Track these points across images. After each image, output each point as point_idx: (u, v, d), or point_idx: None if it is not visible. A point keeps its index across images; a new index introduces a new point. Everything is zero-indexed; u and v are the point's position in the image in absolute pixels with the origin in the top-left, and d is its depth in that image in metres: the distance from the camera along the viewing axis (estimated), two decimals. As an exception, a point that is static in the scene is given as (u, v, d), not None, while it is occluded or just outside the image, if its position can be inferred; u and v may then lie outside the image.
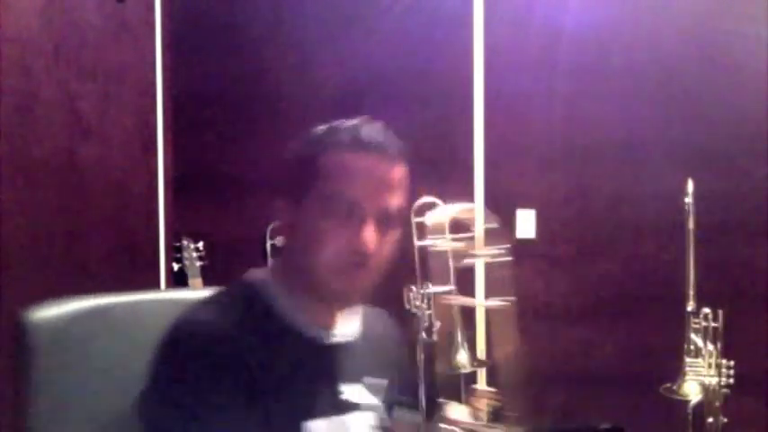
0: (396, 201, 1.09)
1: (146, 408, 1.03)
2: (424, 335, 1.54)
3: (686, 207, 2.41)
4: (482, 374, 2.95)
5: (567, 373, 2.96)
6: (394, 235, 1.10)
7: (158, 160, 2.85)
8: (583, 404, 2.95)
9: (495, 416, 1.48)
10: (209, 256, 2.90)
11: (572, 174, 2.92)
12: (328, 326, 1.12)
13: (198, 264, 2.86)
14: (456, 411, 1.20)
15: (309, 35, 2.97)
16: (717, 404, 2.26)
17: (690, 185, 2.42)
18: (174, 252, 2.88)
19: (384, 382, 1.17)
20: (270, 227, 2.97)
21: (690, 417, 2.26)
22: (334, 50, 2.96)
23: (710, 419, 2.27)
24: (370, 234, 1.04)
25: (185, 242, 2.87)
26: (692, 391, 2.29)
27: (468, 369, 2.69)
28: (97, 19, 2.40)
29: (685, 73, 2.89)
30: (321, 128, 1.16)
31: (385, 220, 1.07)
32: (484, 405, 1.28)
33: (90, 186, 2.34)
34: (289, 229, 1.12)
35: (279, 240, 2.96)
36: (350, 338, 1.15)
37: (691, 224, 2.40)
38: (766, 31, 2.84)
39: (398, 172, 1.10)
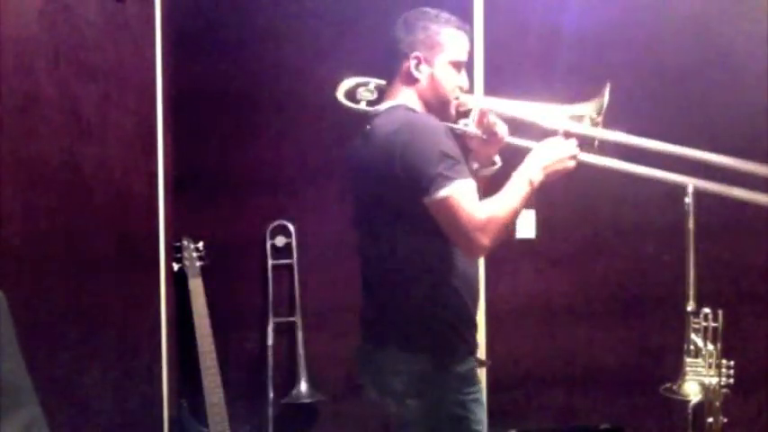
0: None
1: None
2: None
3: (686, 207, 2.41)
4: (482, 374, 2.95)
5: (567, 373, 2.96)
6: None
7: (158, 160, 2.85)
8: (583, 404, 2.95)
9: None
10: (209, 256, 2.90)
11: (572, 174, 2.91)
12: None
13: (198, 264, 2.86)
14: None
15: (309, 35, 2.97)
16: (717, 404, 2.26)
17: (690, 185, 2.42)
18: (174, 252, 2.88)
19: None
20: (270, 227, 2.97)
21: (690, 417, 2.26)
22: (334, 50, 2.96)
23: (710, 419, 2.27)
24: (466, 79, 1.86)
25: (185, 242, 2.88)
26: (692, 391, 2.28)
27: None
28: (97, 19, 2.39)
29: (685, 73, 2.89)
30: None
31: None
32: None
33: (90, 186, 2.33)
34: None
35: (279, 240, 2.97)
36: None
37: (691, 224, 2.40)
38: (766, 31, 2.84)
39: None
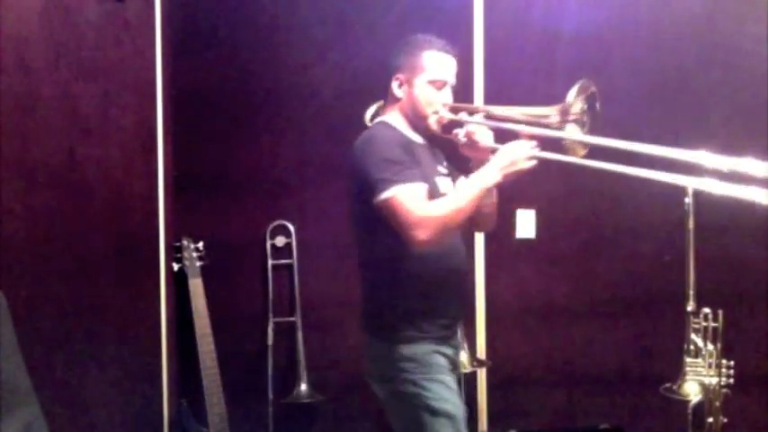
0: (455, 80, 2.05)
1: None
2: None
3: (686, 207, 2.41)
4: (482, 374, 2.95)
5: (567, 373, 2.96)
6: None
7: (158, 160, 2.85)
8: (583, 404, 2.95)
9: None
10: (209, 256, 2.90)
11: (572, 174, 2.92)
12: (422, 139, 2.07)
13: (198, 264, 2.86)
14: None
15: (309, 35, 2.97)
16: (717, 404, 2.27)
17: (689, 187, 2.42)
18: (174, 252, 2.88)
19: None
20: (270, 227, 2.97)
21: (690, 417, 2.26)
22: (333, 50, 2.96)
23: (710, 419, 2.27)
24: (449, 95, 2.03)
25: (185, 242, 2.88)
26: (692, 391, 2.29)
27: (468, 369, 2.70)
28: (97, 19, 2.40)
29: (685, 73, 2.89)
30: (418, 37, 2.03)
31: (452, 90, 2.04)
32: None
33: (90, 186, 2.34)
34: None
35: (279, 240, 2.97)
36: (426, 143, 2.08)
37: (691, 224, 2.40)
38: (766, 31, 2.84)
39: (456, 64, 2.04)
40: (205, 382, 2.73)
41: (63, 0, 2.18)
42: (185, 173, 2.99)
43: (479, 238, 2.93)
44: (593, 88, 1.96)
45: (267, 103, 2.99)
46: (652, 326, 2.89)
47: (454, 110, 2.04)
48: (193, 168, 3.00)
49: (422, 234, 1.81)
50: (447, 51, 2.01)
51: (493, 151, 1.95)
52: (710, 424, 2.27)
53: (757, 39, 2.85)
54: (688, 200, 2.40)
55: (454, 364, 2.03)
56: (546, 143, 1.92)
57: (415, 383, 1.90)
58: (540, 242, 2.95)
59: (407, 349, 1.92)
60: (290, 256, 2.98)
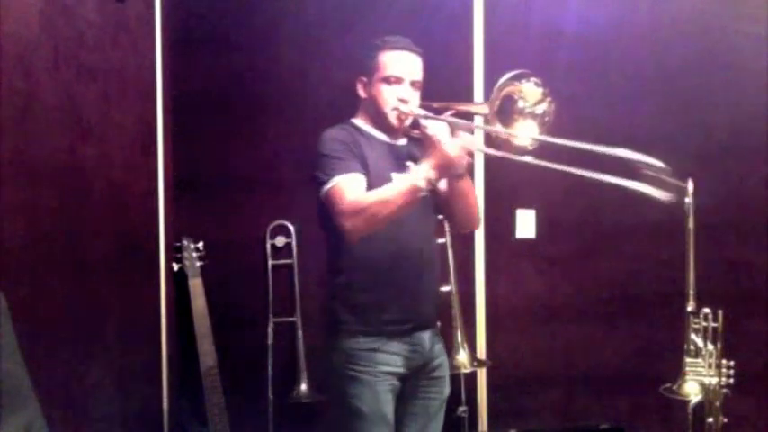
0: (420, 75, 2.08)
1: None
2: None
3: (686, 207, 2.41)
4: (482, 374, 2.95)
5: (567, 373, 2.96)
6: (419, 95, 2.08)
7: (158, 160, 2.85)
8: (583, 404, 2.96)
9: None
10: (209, 256, 2.90)
11: (572, 174, 2.91)
12: (392, 137, 2.12)
13: (198, 264, 2.86)
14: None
15: (309, 35, 2.97)
16: (717, 404, 2.27)
17: (690, 185, 2.42)
18: (174, 252, 2.88)
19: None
20: (270, 227, 2.97)
21: (690, 417, 2.27)
22: (333, 50, 2.96)
23: (710, 419, 2.27)
24: (407, 91, 2.06)
25: (185, 242, 2.88)
26: (692, 391, 2.29)
27: (468, 369, 2.70)
28: (97, 19, 2.39)
29: (685, 73, 2.89)
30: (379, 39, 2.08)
31: (415, 85, 2.07)
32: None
33: (90, 186, 2.33)
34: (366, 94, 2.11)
35: (279, 240, 2.97)
36: (402, 143, 2.14)
37: (691, 224, 2.40)
38: (766, 31, 2.84)
39: (419, 61, 2.08)
40: (205, 383, 2.73)
41: (63, 0, 2.18)
42: (185, 173, 2.99)
43: (479, 238, 2.93)
44: (524, 83, 2.04)
45: (267, 104, 3.00)
46: (652, 326, 2.90)
47: (426, 108, 2.06)
48: (193, 168, 3.01)
49: (348, 222, 1.87)
50: (403, 49, 2.06)
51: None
52: (710, 424, 2.27)
53: (757, 39, 2.85)
54: (688, 200, 2.40)
55: (411, 362, 2.03)
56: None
57: (342, 378, 1.99)
58: (540, 242, 2.95)
59: (345, 342, 2.00)
60: (290, 256, 2.98)
